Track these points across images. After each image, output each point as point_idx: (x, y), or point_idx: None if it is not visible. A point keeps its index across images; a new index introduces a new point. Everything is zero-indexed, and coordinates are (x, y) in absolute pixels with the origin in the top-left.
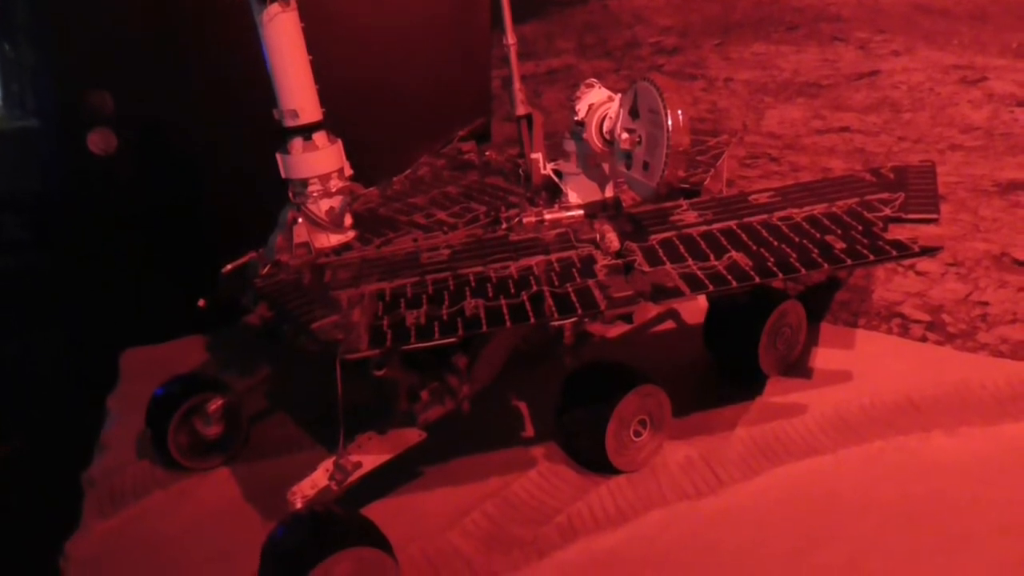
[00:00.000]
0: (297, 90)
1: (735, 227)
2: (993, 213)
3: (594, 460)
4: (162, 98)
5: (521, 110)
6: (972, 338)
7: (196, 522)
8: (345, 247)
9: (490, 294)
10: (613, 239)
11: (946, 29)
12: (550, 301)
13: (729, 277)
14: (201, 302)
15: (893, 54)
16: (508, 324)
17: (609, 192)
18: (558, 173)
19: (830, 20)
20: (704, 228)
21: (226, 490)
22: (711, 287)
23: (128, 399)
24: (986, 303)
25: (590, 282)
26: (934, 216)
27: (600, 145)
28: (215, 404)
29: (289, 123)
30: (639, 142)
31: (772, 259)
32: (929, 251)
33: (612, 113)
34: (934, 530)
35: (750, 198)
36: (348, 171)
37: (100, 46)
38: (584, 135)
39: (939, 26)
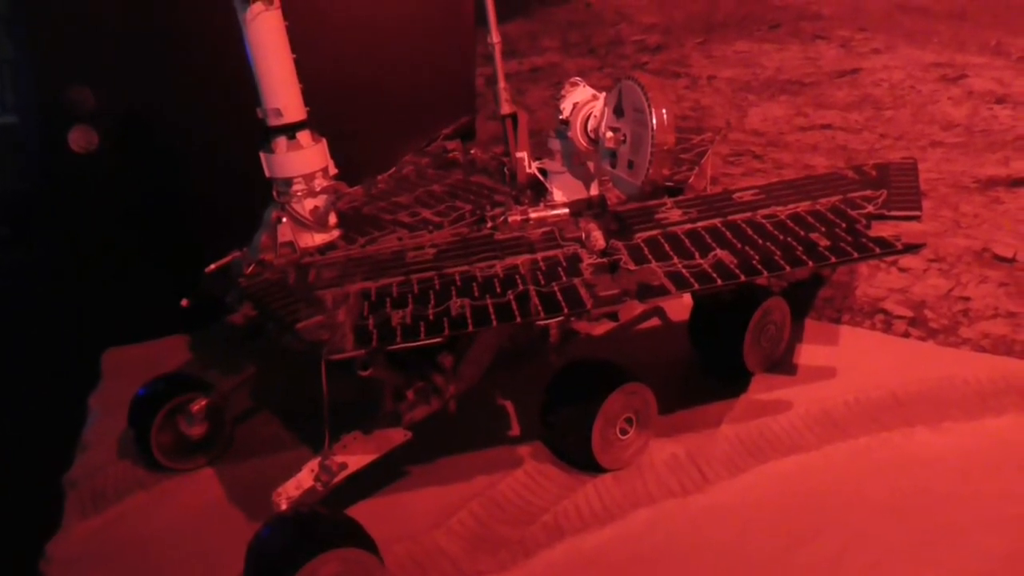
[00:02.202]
0: (281, 89)
1: (720, 225)
2: (974, 209)
3: (580, 459)
4: (144, 95)
5: (506, 108)
6: (954, 333)
7: (179, 523)
8: (330, 246)
9: (476, 293)
10: (599, 237)
11: (926, 27)
12: (536, 300)
13: (714, 275)
14: (184, 301)
15: (874, 52)
16: (494, 323)
17: (594, 190)
18: (543, 172)
19: (812, 18)
20: (689, 226)
21: (210, 491)
22: (696, 285)
23: (110, 399)
24: (968, 298)
25: (576, 281)
26: (916, 213)
27: (585, 144)
28: (199, 404)
29: (273, 122)
30: (624, 140)
31: (757, 257)
32: (912, 248)
33: (597, 112)
34: (920, 524)
35: (734, 196)
36: (332, 170)
37: (81, 42)
38: (569, 134)
39: (919, 24)
